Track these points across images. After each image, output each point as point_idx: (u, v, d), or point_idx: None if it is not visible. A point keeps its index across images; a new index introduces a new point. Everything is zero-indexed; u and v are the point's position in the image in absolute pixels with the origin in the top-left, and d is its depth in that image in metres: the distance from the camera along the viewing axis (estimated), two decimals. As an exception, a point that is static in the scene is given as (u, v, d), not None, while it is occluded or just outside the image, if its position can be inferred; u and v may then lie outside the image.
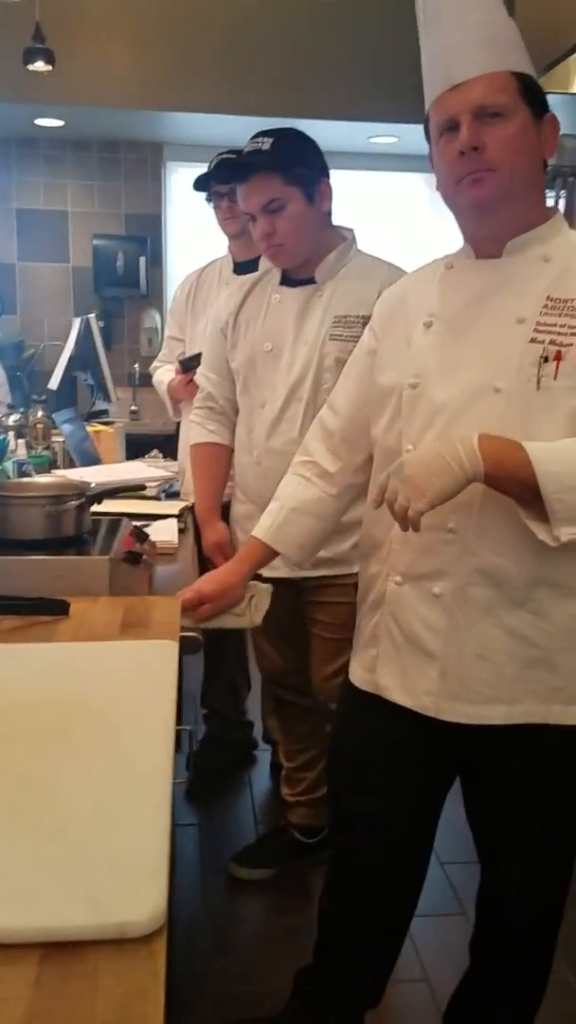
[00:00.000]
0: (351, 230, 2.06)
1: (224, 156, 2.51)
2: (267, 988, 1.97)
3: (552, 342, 1.22)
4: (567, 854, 1.45)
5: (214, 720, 2.96)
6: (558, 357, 1.21)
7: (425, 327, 1.36)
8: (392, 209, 5.31)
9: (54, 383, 3.87)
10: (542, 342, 1.23)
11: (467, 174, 1.26)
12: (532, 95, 1.26)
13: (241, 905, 2.29)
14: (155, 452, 3.43)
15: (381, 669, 1.41)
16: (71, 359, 3.92)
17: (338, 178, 2.02)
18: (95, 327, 4.00)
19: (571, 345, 1.21)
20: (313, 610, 2.09)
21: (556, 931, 1.49)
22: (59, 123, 4.87)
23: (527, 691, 1.29)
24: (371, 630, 1.44)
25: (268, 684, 2.44)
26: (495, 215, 1.30)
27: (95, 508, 1.86)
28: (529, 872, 1.44)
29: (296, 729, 2.36)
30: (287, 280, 2.04)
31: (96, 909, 0.72)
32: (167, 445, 3.39)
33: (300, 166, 1.92)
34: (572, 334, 1.22)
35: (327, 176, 1.98)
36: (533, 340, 1.23)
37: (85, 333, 3.98)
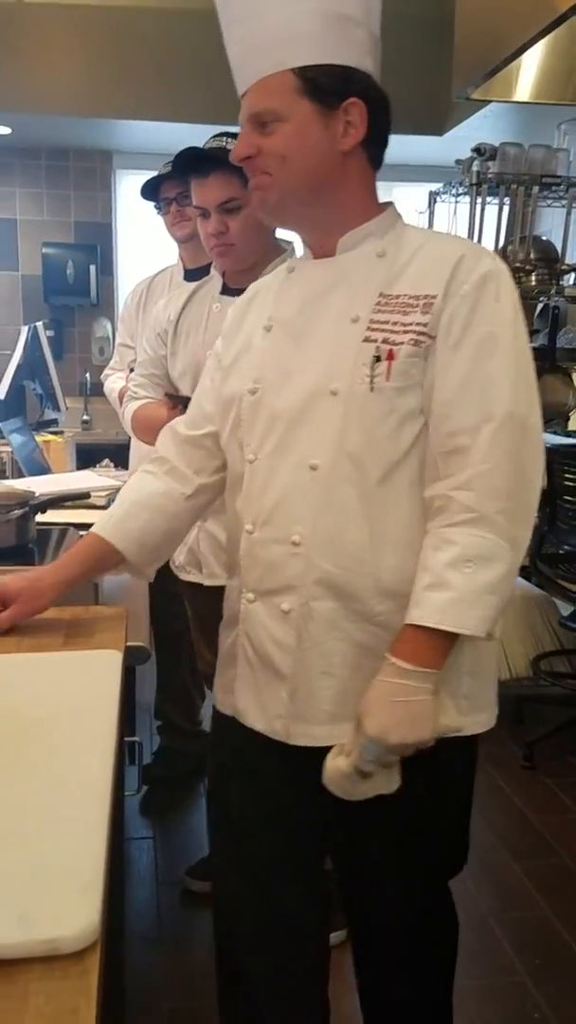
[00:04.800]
0: (291, 243, 2.06)
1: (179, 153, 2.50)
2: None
3: (385, 340, 1.18)
4: (432, 878, 1.36)
5: (168, 731, 2.93)
6: (390, 356, 1.17)
7: (265, 331, 1.32)
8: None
9: (1, 392, 3.83)
10: (375, 341, 1.19)
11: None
12: (318, 88, 1.19)
13: (196, 919, 2.27)
14: (106, 462, 3.40)
15: (238, 691, 1.34)
16: (19, 368, 3.88)
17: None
18: (43, 335, 3.97)
19: (403, 344, 1.17)
20: None
21: (437, 960, 1.41)
22: (6, 131, 4.82)
23: None
24: (229, 649, 1.38)
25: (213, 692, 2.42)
26: (285, 219, 1.30)
27: (41, 518, 1.83)
28: (394, 904, 1.35)
29: None
30: (227, 290, 2.03)
31: (25, 925, 0.70)
32: (119, 455, 3.36)
33: None
34: (404, 331, 1.18)
35: None
36: (367, 339, 1.19)
37: (33, 341, 3.94)
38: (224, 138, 1.93)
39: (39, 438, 3.58)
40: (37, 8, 4.19)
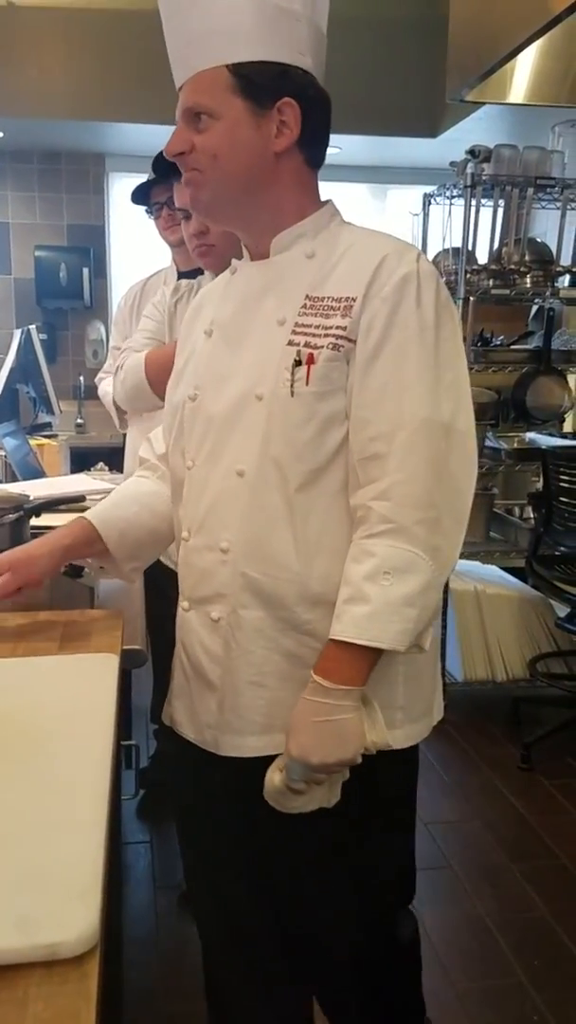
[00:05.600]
0: None
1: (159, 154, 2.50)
2: (220, 1005, 1.95)
3: (307, 344, 1.16)
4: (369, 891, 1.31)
5: (165, 734, 2.92)
6: (310, 360, 1.15)
7: (206, 336, 1.30)
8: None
9: (-5, 396, 3.82)
10: (297, 344, 1.16)
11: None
12: (252, 86, 1.15)
13: (193, 922, 2.25)
14: (101, 465, 3.40)
15: (175, 701, 1.34)
16: (12, 371, 3.87)
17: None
18: (36, 339, 3.96)
19: (322, 348, 1.15)
20: None
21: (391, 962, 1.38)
22: (-2, 134, 4.82)
23: None
24: (173, 659, 1.36)
25: None
26: (218, 218, 1.28)
27: (36, 522, 1.82)
28: (332, 929, 1.32)
29: None
30: None
31: (25, 930, 0.69)
32: (114, 458, 3.35)
33: None
34: (325, 335, 1.15)
35: None
36: (290, 343, 1.17)
37: (26, 345, 3.93)
38: None
39: (33, 442, 3.57)
40: (28, 11, 4.19)
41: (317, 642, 1.16)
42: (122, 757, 1.49)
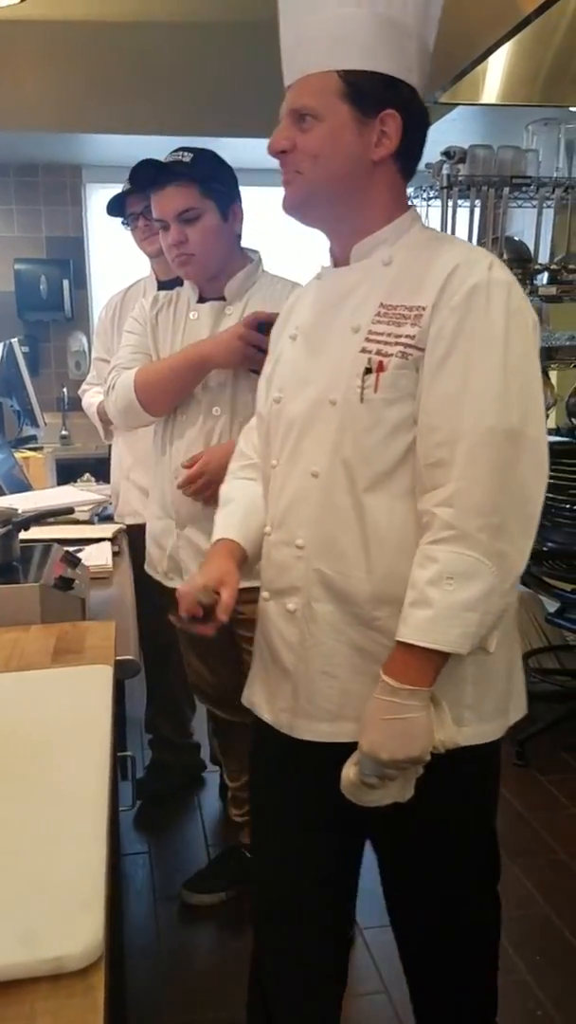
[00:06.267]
0: (257, 252, 2.09)
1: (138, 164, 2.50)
2: (222, 1016, 1.94)
3: (378, 352, 1.20)
4: (460, 865, 1.36)
5: (159, 744, 2.92)
6: (380, 368, 1.19)
7: (291, 340, 1.36)
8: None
9: (-22, 410, 3.80)
10: (369, 352, 1.20)
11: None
12: (360, 94, 1.19)
13: (194, 932, 2.26)
14: (87, 476, 3.39)
15: (254, 685, 1.41)
16: (-5, 385, 3.86)
17: (255, 195, 2.03)
18: (18, 352, 3.95)
19: (392, 356, 1.19)
20: (244, 628, 2.06)
21: (474, 955, 1.42)
22: (-26, 148, 4.81)
23: None
24: (254, 646, 1.42)
25: (204, 703, 2.41)
26: (308, 218, 1.29)
27: (25, 535, 1.82)
28: (422, 887, 1.36)
29: (236, 749, 2.34)
30: (203, 299, 2.05)
31: (30, 945, 0.69)
32: (99, 468, 3.34)
33: (217, 182, 1.96)
34: (395, 343, 1.19)
35: (240, 201, 2.01)
36: (363, 350, 1.21)
37: (8, 358, 3.92)
38: (181, 152, 1.96)
39: (18, 455, 3.56)
40: (3, 24, 4.18)
41: (386, 639, 1.20)
42: (118, 769, 1.49)
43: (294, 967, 1.41)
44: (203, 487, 1.94)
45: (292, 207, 1.28)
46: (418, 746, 1.14)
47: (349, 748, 1.21)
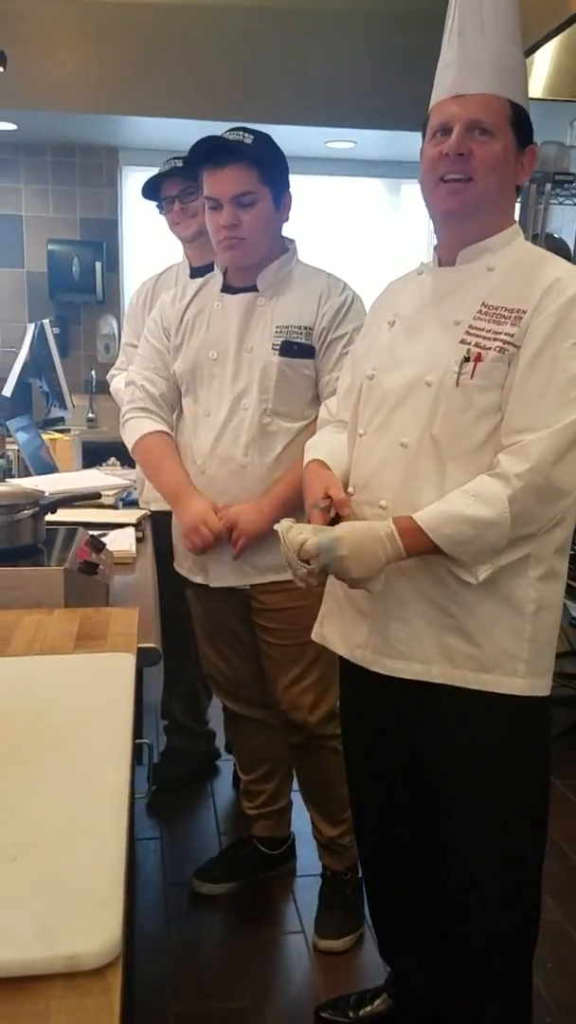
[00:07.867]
0: (293, 240, 2.03)
1: (176, 159, 2.47)
2: (231, 1005, 1.94)
3: (477, 344, 1.36)
4: (507, 811, 1.50)
5: (175, 731, 2.91)
6: (477, 359, 1.36)
7: (389, 325, 1.52)
8: (349, 214, 5.31)
9: (7, 390, 3.81)
10: (468, 343, 1.37)
11: (445, 174, 1.38)
12: (520, 126, 1.40)
13: (204, 921, 2.25)
14: (112, 460, 3.38)
15: (327, 623, 1.62)
16: (25, 366, 3.86)
17: (295, 183, 1.99)
18: (50, 333, 3.94)
19: (490, 349, 1.35)
20: (264, 618, 2.05)
21: (519, 887, 1.53)
22: (12, 127, 4.79)
23: (441, 655, 1.43)
24: (327, 588, 1.62)
25: (218, 695, 2.38)
26: (462, 224, 1.43)
27: (50, 517, 1.81)
28: (468, 826, 1.50)
29: (248, 743, 2.32)
30: (228, 288, 2.00)
31: (46, 940, 0.68)
32: (125, 453, 3.33)
33: (275, 169, 1.91)
34: (495, 339, 1.36)
35: (290, 190, 1.97)
36: (462, 341, 1.38)
37: (40, 339, 3.92)
38: (242, 132, 1.89)
39: (45, 436, 3.56)
40: (43, 4, 4.17)
41: (458, 595, 1.40)
42: (134, 755, 1.48)
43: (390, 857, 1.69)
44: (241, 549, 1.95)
45: (466, 209, 1.41)
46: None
47: (415, 684, 1.44)
